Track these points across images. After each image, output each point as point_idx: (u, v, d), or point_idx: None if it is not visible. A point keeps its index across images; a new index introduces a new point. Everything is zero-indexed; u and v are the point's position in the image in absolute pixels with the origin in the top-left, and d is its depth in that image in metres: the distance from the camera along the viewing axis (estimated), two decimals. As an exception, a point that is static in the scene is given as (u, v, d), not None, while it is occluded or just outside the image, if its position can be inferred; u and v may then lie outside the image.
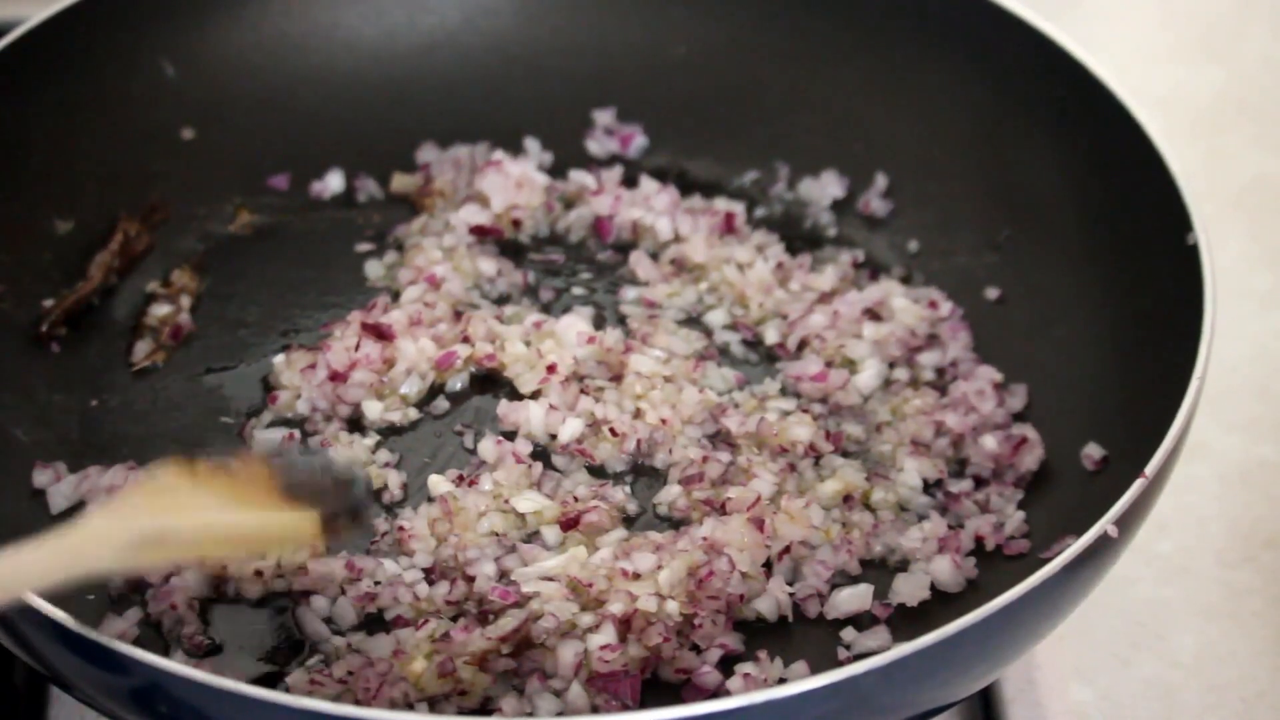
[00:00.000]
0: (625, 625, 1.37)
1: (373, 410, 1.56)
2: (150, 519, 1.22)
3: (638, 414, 1.54)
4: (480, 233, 1.72)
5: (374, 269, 1.71)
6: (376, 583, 1.43)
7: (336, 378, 1.56)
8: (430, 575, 1.44)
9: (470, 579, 1.42)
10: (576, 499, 1.48)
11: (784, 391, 1.60)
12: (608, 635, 1.36)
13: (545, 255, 1.73)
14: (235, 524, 1.28)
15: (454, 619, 1.40)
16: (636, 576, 1.40)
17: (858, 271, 1.72)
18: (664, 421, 1.53)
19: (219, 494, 1.28)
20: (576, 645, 1.36)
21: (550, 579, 1.41)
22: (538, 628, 1.37)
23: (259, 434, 1.55)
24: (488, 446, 1.53)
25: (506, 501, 1.48)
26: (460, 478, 1.51)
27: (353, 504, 1.34)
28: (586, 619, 1.38)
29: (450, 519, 1.46)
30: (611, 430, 1.52)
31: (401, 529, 1.46)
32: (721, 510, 1.47)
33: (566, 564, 1.42)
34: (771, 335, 1.65)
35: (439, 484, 1.50)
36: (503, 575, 1.43)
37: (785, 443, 1.52)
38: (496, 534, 1.46)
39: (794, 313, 1.65)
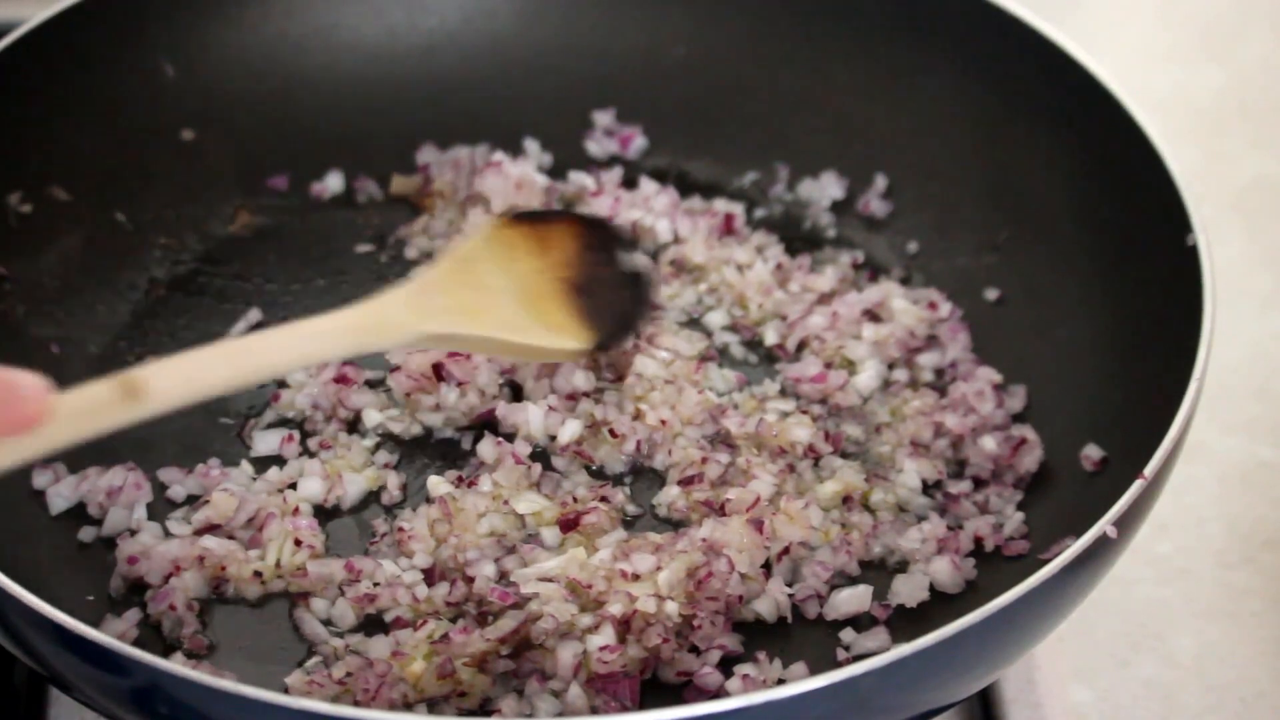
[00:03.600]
0: (624, 626, 1.37)
1: (371, 419, 1.56)
2: (442, 321, 1.37)
3: (637, 415, 1.54)
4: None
5: None
6: (375, 584, 1.43)
7: (342, 380, 1.56)
8: (429, 576, 1.44)
9: (470, 580, 1.42)
10: (576, 500, 1.48)
11: (784, 392, 1.60)
12: (607, 636, 1.36)
13: None
14: (511, 343, 1.42)
15: (453, 620, 1.40)
16: (636, 577, 1.40)
17: (857, 272, 1.72)
18: (664, 423, 1.53)
19: (513, 278, 1.44)
20: (576, 646, 1.36)
21: (549, 580, 1.41)
22: (537, 629, 1.37)
23: (258, 434, 1.55)
24: (487, 447, 1.53)
25: (506, 503, 1.48)
26: (459, 479, 1.51)
27: (631, 318, 1.49)
28: (586, 620, 1.37)
29: (450, 520, 1.46)
30: (611, 431, 1.52)
31: (401, 530, 1.46)
32: (721, 511, 1.47)
33: (566, 565, 1.42)
34: (771, 336, 1.65)
35: (438, 485, 1.50)
36: (502, 576, 1.43)
37: (785, 444, 1.52)
38: (496, 535, 1.46)
39: (793, 314, 1.65)
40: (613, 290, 1.49)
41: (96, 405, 1.13)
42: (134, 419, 1.15)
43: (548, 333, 1.44)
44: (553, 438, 1.53)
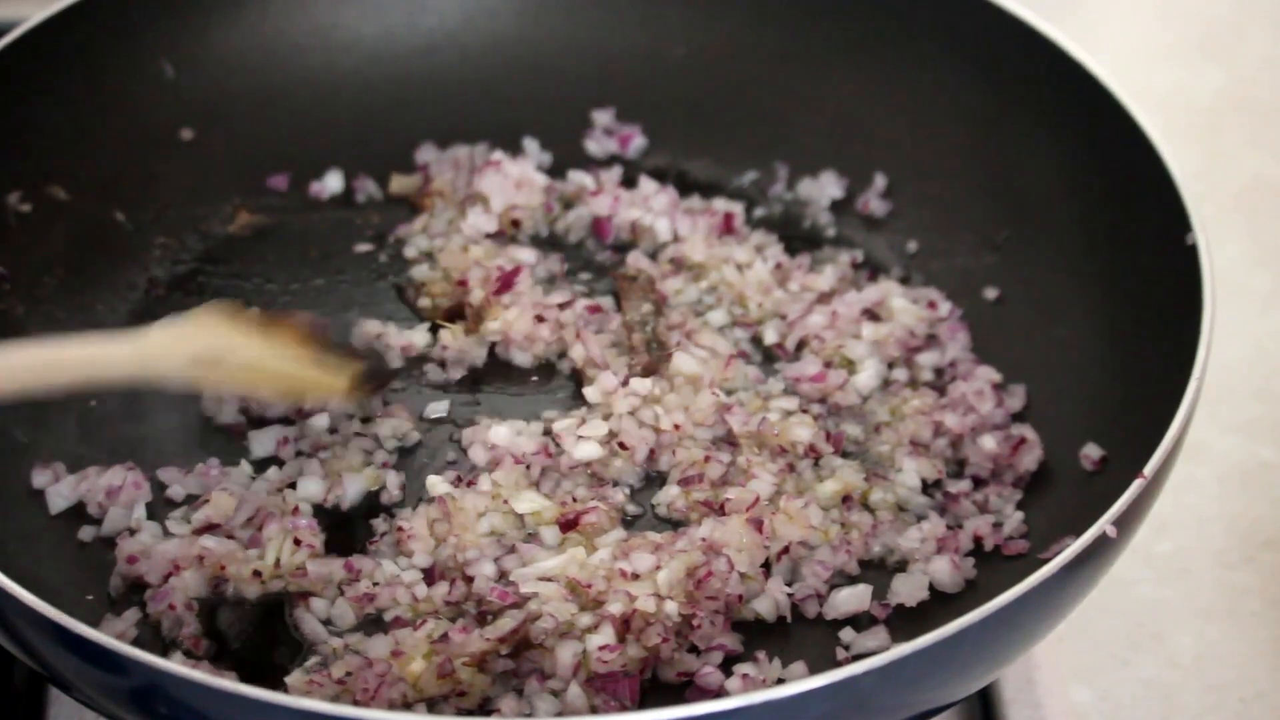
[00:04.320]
0: (624, 626, 1.37)
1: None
2: (211, 339, 1.41)
3: (654, 420, 1.53)
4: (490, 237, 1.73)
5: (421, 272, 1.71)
6: (375, 583, 1.43)
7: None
8: (429, 576, 1.44)
9: (469, 579, 1.42)
10: (575, 499, 1.48)
11: (788, 391, 1.60)
12: (606, 636, 1.36)
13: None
14: (282, 364, 1.44)
15: (452, 620, 1.40)
16: (635, 577, 1.40)
17: (857, 272, 1.72)
18: (677, 427, 1.52)
19: (263, 338, 1.43)
20: (575, 646, 1.36)
21: (549, 579, 1.41)
22: (536, 628, 1.37)
23: (254, 435, 1.55)
24: (479, 453, 1.52)
25: (505, 502, 1.48)
26: (459, 478, 1.51)
27: (377, 373, 1.52)
28: (585, 619, 1.37)
29: (449, 519, 1.46)
30: (621, 444, 1.51)
31: (400, 529, 1.46)
32: (720, 511, 1.47)
33: (565, 564, 1.42)
34: (770, 336, 1.65)
35: (437, 485, 1.50)
36: (502, 576, 1.43)
37: (785, 443, 1.52)
38: (495, 534, 1.46)
39: (793, 313, 1.65)
40: (351, 356, 1.49)
41: None
42: None
43: (309, 367, 1.46)
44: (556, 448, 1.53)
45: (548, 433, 1.55)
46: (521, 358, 1.62)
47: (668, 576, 1.40)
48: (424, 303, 1.68)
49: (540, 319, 1.61)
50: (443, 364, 1.62)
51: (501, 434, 1.53)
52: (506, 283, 1.63)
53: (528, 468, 1.50)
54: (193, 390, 1.51)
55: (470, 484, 1.50)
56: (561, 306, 1.62)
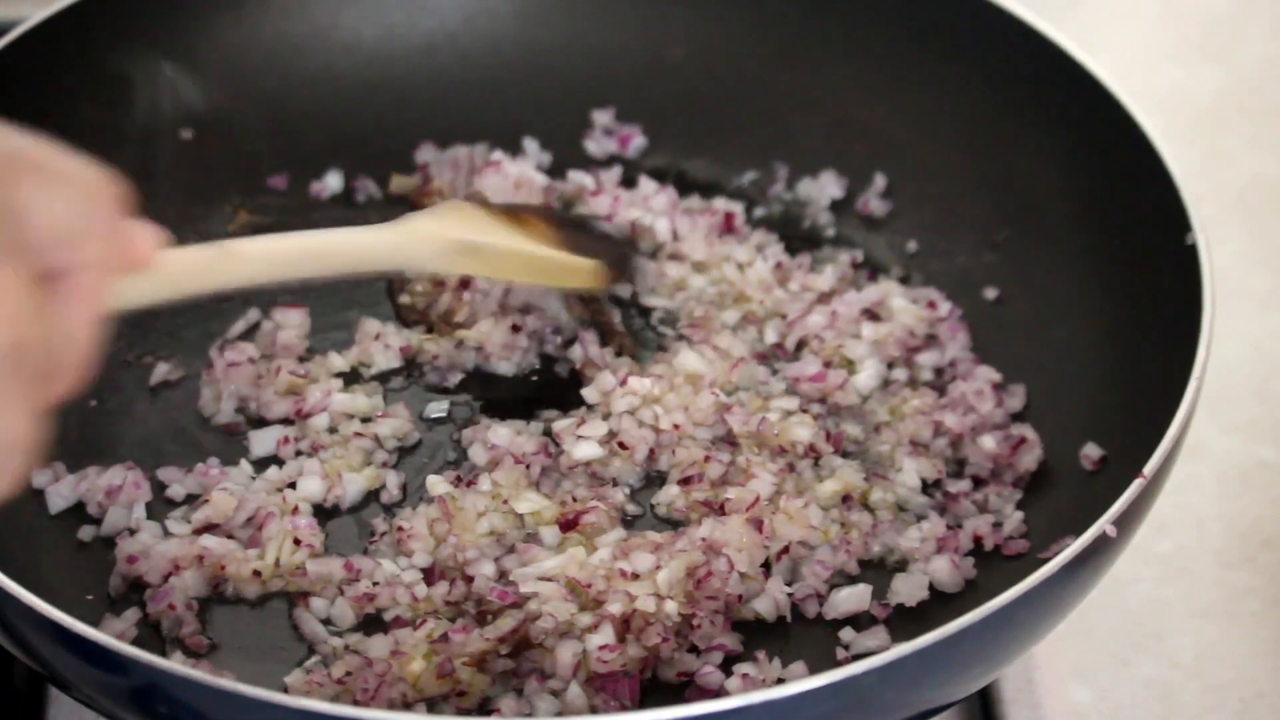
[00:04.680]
0: (624, 625, 1.37)
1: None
2: (467, 231, 1.45)
3: (654, 420, 1.53)
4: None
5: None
6: (375, 583, 1.43)
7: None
8: (429, 575, 1.44)
9: (469, 579, 1.42)
10: (575, 499, 1.48)
11: (789, 391, 1.60)
12: (606, 635, 1.36)
13: None
14: (534, 253, 1.49)
15: (452, 619, 1.40)
16: (635, 577, 1.40)
17: (856, 272, 1.72)
18: (676, 427, 1.52)
19: (515, 227, 1.49)
20: (575, 645, 1.36)
21: (549, 579, 1.41)
22: (536, 628, 1.37)
23: (254, 434, 1.55)
24: (479, 452, 1.52)
25: (505, 502, 1.48)
26: (458, 478, 1.51)
27: (628, 260, 1.59)
28: (585, 619, 1.37)
29: (449, 519, 1.46)
30: (621, 444, 1.51)
31: (400, 529, 1.46)
32: (720, 511, 1.47)
33: (565, 564, 1.42)
34: (770, 335, 1.65)
35: (437, 484, 1.50)
36: (501, 575, 1.43)
37: (785, 443, 1.52)
38: (495, 534, 1.46)
39: (793, 313, 1.65)
40: (601, 241, 1.54)
41: (197, 264, 1.20)
42: (223, 284, 1.24)
43: (560, 253, 1.50)
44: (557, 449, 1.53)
45: (548, 433, 1.55)
46: (504, 367, 1.62)
47: (668, 576, 1.40)
48: (404, 299, 1.68)
49: (516, 328, 1.61)
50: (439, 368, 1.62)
51: (501, 434, 1.53)
52: (467, 279, 1.63)
53: (528, 468, 1.50)
54: (441, 276, 1.62)
55: (470, 484, 1.50)
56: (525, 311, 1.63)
